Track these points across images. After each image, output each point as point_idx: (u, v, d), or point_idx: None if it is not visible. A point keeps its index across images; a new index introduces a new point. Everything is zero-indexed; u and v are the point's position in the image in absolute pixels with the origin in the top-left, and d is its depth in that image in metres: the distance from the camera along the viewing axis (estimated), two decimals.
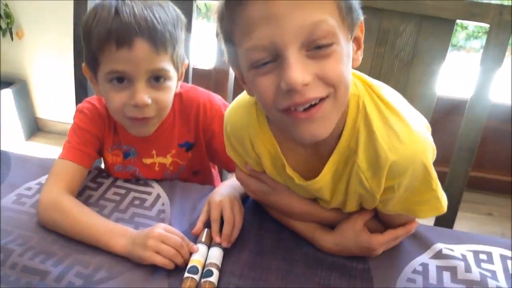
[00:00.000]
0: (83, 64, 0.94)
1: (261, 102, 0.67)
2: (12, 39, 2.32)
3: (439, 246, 0.88)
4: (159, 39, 0.86)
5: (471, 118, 1.09)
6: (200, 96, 1.01)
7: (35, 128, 2.60)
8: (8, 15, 2.24)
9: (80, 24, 0.92)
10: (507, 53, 1.05)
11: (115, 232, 0.84)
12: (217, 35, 0.70)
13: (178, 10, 0.93)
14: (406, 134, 0.68)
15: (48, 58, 2.37)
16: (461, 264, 0.83)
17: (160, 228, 0.83)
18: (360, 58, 0.70)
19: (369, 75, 1.13)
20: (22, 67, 2.44)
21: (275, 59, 0.61)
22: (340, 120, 0.70)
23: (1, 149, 1.11)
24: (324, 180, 0.76)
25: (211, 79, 1.26)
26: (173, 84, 0.93)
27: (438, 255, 0.86)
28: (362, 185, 0.74)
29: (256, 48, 0.61)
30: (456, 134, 1.13)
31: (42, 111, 2.58)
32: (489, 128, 1.92)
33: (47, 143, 2.51)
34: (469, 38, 3.86)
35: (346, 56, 0.64)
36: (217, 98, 1.02)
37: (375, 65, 1.15)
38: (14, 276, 0.78)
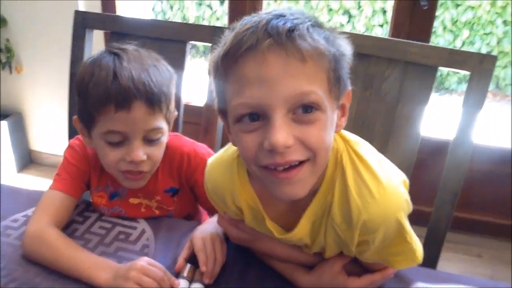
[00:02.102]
0: (75, 117, 0.96)
1: (242, 156, 0.69)
2: (11, 72, 2.36)
3: (418, 285, 0.88)
4: (155, 101, 0.89)
5: (454, 160, 1.11)
6: (184, 145, 1.03)
7: (28, 160, 2.62)
8: (8, 50, 2.29)
9: (77, 63, 0.95)
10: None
11: (98, 266, 0.84)
12: (210, 84, 0.72)
13: (170, 68, 0.97)
14: (378, 191, 0.69)
15: (44, 93, 2.41)
16: None
17: (143, 261, 0.83)
18: (344, 124, 0.72)
19: (355, 117, 1.19)
20: (19, 100, 2.48)
21: (261, 118, 0.63)
22: (320, 173, 0.72)
23: None
24: (302, 232, 0.78)
25: (201, 116, 1.29)
26: (166, 139, 0.97)
27: None
28: (338, 236, 0.75)
29: (245, 106, 0.63)
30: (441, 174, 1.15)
31: (36, 144, 2.60)
32: (477, 170, 1.96)
33: (39, 175, 2.52)
34: (460, 82, 3.96)
35: (330, 124, 0.66)
36: (201, 147, 1.05)
37: (361, 108, 1.18)
38: None
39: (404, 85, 1.14)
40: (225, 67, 0.64)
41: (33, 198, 1.05)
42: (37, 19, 2.22)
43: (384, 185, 0.70)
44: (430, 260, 1.18)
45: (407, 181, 0.79)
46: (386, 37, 1.27)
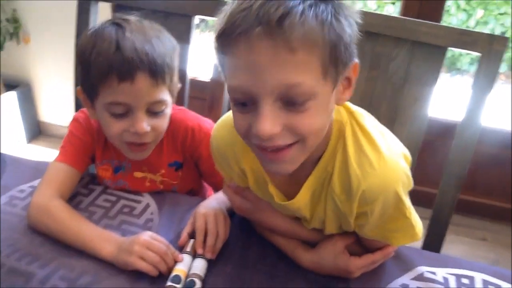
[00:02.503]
0: (78, 88, 0.96)
1: (236, 130, 0.69)
2: (18, 43, 2.36)
3: (421, 269, 0.89)
4: (159, 73, 0.88)
5: (461, 143, 1.10)
6: (189, 119, 1.03)
7: (37, 131, 2.63)
8: (16, 20, 2.28)
9: (81, 35, 0.95)
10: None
11: (102, 238, 0.85)
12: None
13: (173, 40, 0.96)
14: (378, 162, 0.70)
15: (52, 63, 2.41)
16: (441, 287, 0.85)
17: (147, 235, 0.85)
18: (347, 97, 0.70)
19: (361, 97, 1.18)
20: (27, 71, 2.48)
21: (251, 102, 0.63)
22: (322, 144, 0.72)
23: (1, 150, 1.14)
24: (302, 201, 0.78)
25: (207, 91, 1.28)
26: (169, 111, 0.97)
27: (420, 277, 0.87)
28: (337, 208, 0.76)
29: (237, 90, 0.63)
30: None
31: (45, 115, 2.61)
32: (485, 153, 1.95)
33: (48, 146, 2.54)
34: (473, 62, 3.90)
35: (324, 107, 0.65)
36: (206, 122, 1.04)
37: (368, 88, 1.17)
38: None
39: (412, 65, 1.13)
40: (221, 46, 0.64)
41: (39, 169, 1.06)
42: None
43: (385, 156, 0.70)
44: (435, 243, 1.19)
45: (409, 155, 0.79)
46: (396, 15, 1.25)
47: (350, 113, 0.75)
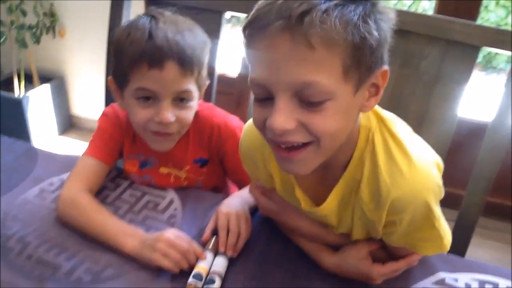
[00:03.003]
0: (110, 77, 0.98)
1: (254, 125, 0.70)
2: (54, 36, 2.42)
3: (442, 274, 0.87)
4: (187, 63, 0.90)
5: (490, 145, 1.07)
6: (215, 116, 1.03)
7: (69, 124, 2.70)
8: (52, 14, 2.34)
9: (114, 30, 0.97)
10: None
11: (126, 233, 0.87)
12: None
13: (205, 35, 0.97)
14: (409, 170, 0.68)
15: (85, 58, 2.46)
16: None
17: (170, 233, 0.85)
18: (373, 104, 0.68)
19: (391, 96, 1.16)
20: (61, 64, 2.54)
21: (270, 97, 0.63)
22: (349, 150, 0.71)
23: (33, 142, 1.17)
24: (329, 208, 0.77)
25: (235, 86, 1.28)
26: (195, 104, 0.97)
27: (441, 282, 0.86)
28: (365, 216, 0.75)
29: (256, 83, 0.64)
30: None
31: (77, 108, 2.67)
32: None
33: (79, 139, 2.59)
34: (509, 61, 3.77)
35: (345, 109, 0.63)
36: (233, 120, 1.05)
37: (398, 86, 1.15)
38: (29, 266, 0.83)
39: (444, 65, 1.10)
40: (246, 40, 0.65)
41: (69, 163, 1.08)
42: None
43: (416, 165, 0.69)
44: (460, 247, 1.16)
45: (442, 164, 0.77)
46: (429, 13, 1.22)
47: (381, 120, 0.73)
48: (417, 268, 0.87)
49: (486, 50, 1.07)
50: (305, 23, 0.57)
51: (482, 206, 1.13)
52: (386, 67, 0.66)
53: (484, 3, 3.52)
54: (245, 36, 0.64)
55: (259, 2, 0.63)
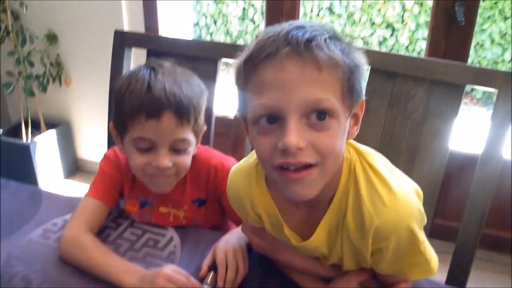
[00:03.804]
0: (111, 124, 1.03)
1: (258, 157, 0.73)
2: (60, 85, 2.51)
3: None
4: (184, 113, 0.95)
5: (482, 177, 1.10)
6: (212, 157, 1.08)
7: (75, 167, 2.75)
8: (58, 64, 2.44)
9: (116, 80, 1.02)
10: None
11: (126, 270, 0.90)
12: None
13: (202, 84, 1.03)
14: (390, 199, 0.72)
15: (90, 105, 2.53)
16: None
17: (169, 269, 0.88)
18: (356, 133, 0.75)
19: (382, 135, 1.20)
20: (67, 111, 2.62)
21: (277, 120, 0.67)
22: (334, 183, 0.75)
23: (40, 186, 1.21)
24: (318, 240, 0.80)
25: (232, 127, 1.33)
26: (192, 150, 1.02)
27: None
28: (353, 245, 0.77)
29: (263, 107, 0.67)
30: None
31: (82, 152, 2.73)
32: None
33: (85, 182, 2.63)
34: None
35: (342, 131, 0.69)
36: (229, 161, 1.09)
37: (388, 126, 1.19)
38: None
39: (431, 103, 1.14)
40: (246, 72, 0.69)
41: (72, 204, 1.12)
42: (85, 35, 2.36)
43: (396, 193, 0.72)
44: (459, 279, 1.17)
45: (420, 192, 0.81)
46: (416, 56, 1.27)
47: (360, 153, 0.78)
48: None
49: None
50: (313, 47, 0.64)
51: (479, 238, 1.14)
52: (363, 97, 0.73)
53: (480, 41, 3.63)
54: (245, 69, 0.69)
55: (258, 38, 0.69)
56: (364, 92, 0.73)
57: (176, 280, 0.86)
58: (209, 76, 1.25)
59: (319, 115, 0.66)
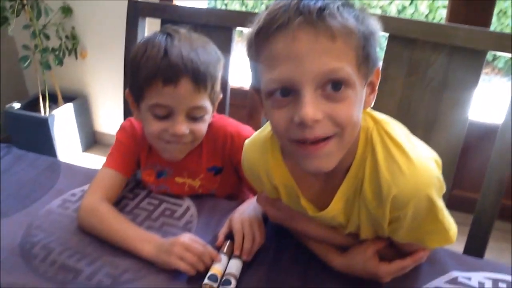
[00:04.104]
0: (127, 90, 1.03)
1: (274, 131, 0.72)
2: (76, 58, 2.51)
3: (455, 273, 0.88)
4: (201, 79, 0.94)
5: (501, 147, 1.08)
6: (228, 125, 1.07)
7: (93, 140, 2.78)
8: (74, 37, 2.44)
9: (130, 50, 1.02)
10: None
11: (143, 239, 0.91)
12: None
13: (218, 51, 1.02)
14: (408, 167, 0.71)
15: (106, 77, 2.54)
16: None
17: (185, 237, 0.89)
18: (372, 101, 0.74)
19: (399, 104, 1.18)
20: (84, 84, 2.64)
21: (291, 93, 0.66)
22: (351, 152, 0.74)
23: (58, 158, 1.23)
24: (335, 210, 0.80)
25: (247, 99, 1.32)
26: (209, 117, 1.02)
27: (454, 281, 0.86)
28: (370, 214, 0.77)
29: (277, 81, 0.66)
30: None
31: (100, 125, 2.76)
32: None
33: (102, 155, 2.67)
34: None
35: (359, 100, 0.68)
36: (245, 129, 1.08)
37: (406, 94, 1.17)
38: (52, 272, 0.87)
39: (451, 71, 1.12)
40: (258, 45, 0.67)
41: (89, 175, 1.14)
42: (99, 7, 2.34)
43: (414, 161, 0.71)
44: (476, 249, 1.16)
45: (439, 160, 0.80)
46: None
47: (376, 122, 0.76)
48: (429, 268, 0.88)
49: (507, 56, 1.08)
50: (326, 15, 0.62)
51: (497, 209, 1.13)
52: (379, 65, 0.71)
53: (503, 9, 3.52)
54: (256, 42, 0.67)
55: (269, 8, 0.67)
56: (380, 59, 0.71)
57: (194, 248, 0.87)
58: (224, 46, 1.23)
59: (335, 85, 0.64)
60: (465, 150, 1.15)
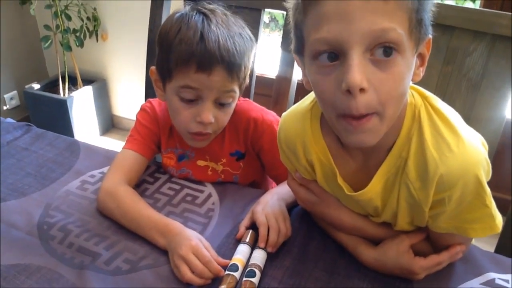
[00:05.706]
0: (152, 67, 0.98)
1: (320, 100, 0.68)
2: (97, 40, 2.49)
3: (492, 275, 0.83)
4: (235, 70, 0.90)
5: None
6: (252, 110, 1.03)
7: (110, 124, 2.77)
8: (95, 19, 2.41)
9: (155, 32, 0.97)
10: None
11: (158, 230, 0.86)
12: (287, 23, 0.70)
13: (252, 37, 0.97)
14: (457, 145, 0.67)
15: (127, 60, 2.52)
16: None
17: (196, 240, 0.82)
18: (422, 74, 0.69)
19: (434, 93, 1.12)
20: (104, 67, 2.62)
21: (339, 57, 0.62)
22: (395, 129, 0.70)
23: (76, 138, 1.20)
24: (374, 190, 0.75)
25: (272, 87, 1.28)
26: (235, 104, 0.98)
27: (490, 283, 0.82)
28: (411, 197, 0.72)
29: (323, 41, 0.62)
30: None
31: (118, 109, 2.74)
32: None
33: (120, 139, 2.65)
34: None
35: (408, 70, 0.64)
36: (270, 114, 1.04)
37: (441, 84, 1.11)
38: (69, 254, 0.84)
39: (491, 61, 1.06)
40: (305, 3, 0.64)
41: (109, 156, 1.11)
42: None
43: (463, 139, 0.67)
44: (508, 249, 1.11)
45: (486, 144, 0.75)
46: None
47: (424, 98, 0.72)
48: (464, 268, 0.84)
49: None
50: None
51: None
52: (430, 34, 0.67)
53: None
54: (303, 0, 0.64)
55: None
56: (431, 28, 0.66)
57: (200, 254, 0.80)
58: (251, 29, 1.19)
59: (385, 50, 0.60)
60: (500, 148, 1.10)
